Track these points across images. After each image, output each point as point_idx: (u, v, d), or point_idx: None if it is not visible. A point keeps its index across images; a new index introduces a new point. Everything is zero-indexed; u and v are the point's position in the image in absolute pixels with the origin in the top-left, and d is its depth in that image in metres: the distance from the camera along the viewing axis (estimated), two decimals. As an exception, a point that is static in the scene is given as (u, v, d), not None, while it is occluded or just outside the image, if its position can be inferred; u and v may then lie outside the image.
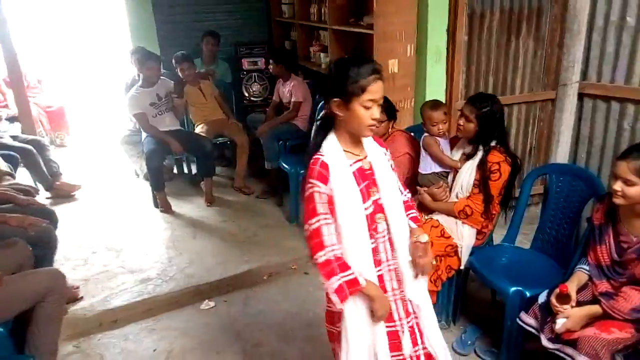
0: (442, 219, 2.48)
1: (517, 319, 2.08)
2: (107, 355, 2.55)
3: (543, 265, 2.42)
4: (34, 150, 4.08)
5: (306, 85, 4.28)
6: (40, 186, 4.11)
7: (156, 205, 4.07)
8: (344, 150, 1.55)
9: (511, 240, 2.61)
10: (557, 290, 1.91)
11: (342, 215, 1.51)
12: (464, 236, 2.44)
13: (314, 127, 3.45)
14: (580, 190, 2.38)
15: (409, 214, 1.70)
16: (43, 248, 2.60)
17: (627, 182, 1.79)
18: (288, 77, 4.21)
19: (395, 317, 1.64)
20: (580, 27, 3.30)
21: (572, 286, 1.93)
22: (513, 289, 2.18)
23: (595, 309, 1.85)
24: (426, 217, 2.53)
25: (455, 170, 2.53)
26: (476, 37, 3.28)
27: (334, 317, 1.67)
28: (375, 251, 1.60)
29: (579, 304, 1.89)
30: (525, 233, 2.74)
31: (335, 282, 1.49)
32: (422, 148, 2.64)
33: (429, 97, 3.03)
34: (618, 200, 1.84)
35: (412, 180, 2.67)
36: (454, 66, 3.21)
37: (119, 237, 3.61)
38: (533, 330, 2.01)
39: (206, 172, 4.14)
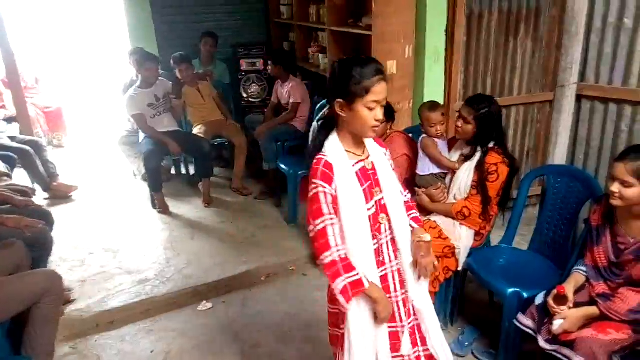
0: (440, 220, 2.48)
1: (515, 320, 2.08)
2: (104, 356, 2.55)
3: (540, 267, 2.42)
4: (32, 151, 4.07)
5: (305, 86, 4.28)
6: (37, 187, 4.10)
7: (154, 206, 4.07)
8: (346, 151, 1.54)
9: (509, 242, 2.61)
10: (555, 292, 1.92)
11: (345, 215, 1.50)
12: (462, 237, 2.44)
13: (313, 127, 3.44)
14: (577, 191, 2.38)
15: (410, 214, 1.69)
16: (39, 249, 2.60)
17: (625, 184, 1.80)
18: (286, 78, 4.21)
19: (397, 318, 1.64)
20: (578, 29, 3.31)
21: (569, 287, 1.93)
22: (511, 290, 2.18)
23: (592, 310, 1.85)
24: (424, 219, 2.52)
25: (453, 172, 2.53)
26: (474, 38, 3.29)
27: (337, 319, 1.66)
28: (377, 252, 1.59)
29: (577, 305, 1.89)
30: (523, 234, 2.75)
31: (340, 283, 1.48)
32: (420, 149, 2.64)
33: (427, 98, 3.03)
34: (615, 202, 1.85)
35: (410, 182, 2.67)
36: (453, 67, 3.21)
37: (116, 238, 3.60)
38: (530, 332, 2.01)
39: (204, 173, 4.14)
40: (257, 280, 3.14)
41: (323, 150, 1.54)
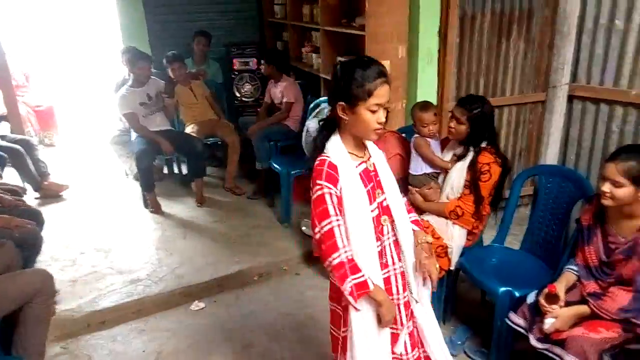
0: (432, 219, 2.49)
1: (506, 319, 2.09)
2: (95, 356, 2.53)
3: (532, 266, 2.44)
4: (23, 150, 4.03)
5: (298, 86, 4.28)
6: (28, 186, 4.07)
7: (146, 206, 4.05)
8: (349, 152, 1.53)
9: (501, 241, 2.63)
10: (546, 291, 1.93)
11: (350, 217, 1.49)
12: (455, 237, 2.45)
13: (305, 127, 3.45)
14: (569, 191, 2.40)
15: (410, 217, 1.69)
16: (28, 249, 2.57)
17: (616, 184, 1.81)
18: (280, 77, 4.21)
19: (398, 320, 1.63)
20: (570, 30, 3.33)
21: (560, 286, 1.94)
22: (502, 289, 2.19)
23: (583, 309, 1.87)
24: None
25: (446, 171, 2.54)
26: (467, 38, 3.30)
27: (339, 320, 1.65)
28: (381, 254, 1.59)
29: (568, 304, 1.91)
30: (515, 234, 2.76)
31: (347, 285, 1.47)
32: (413, 149, 2.65)
33: (420, 99, 3.03)
34: (606, 202, 1.86)
35: (403, 182, 2.68)
36: (446, 68, 3.23)
37: (108, 237, 3.58)
38: (522, 330, 2.02)
39: (197, 173, 4.12)
40: (250, 280, 3.13)
41: (325, 151, 1.53)
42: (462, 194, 2.44)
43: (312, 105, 3.68)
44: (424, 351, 1.70)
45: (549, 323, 1.87)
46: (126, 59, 4.34)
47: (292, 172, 3.63)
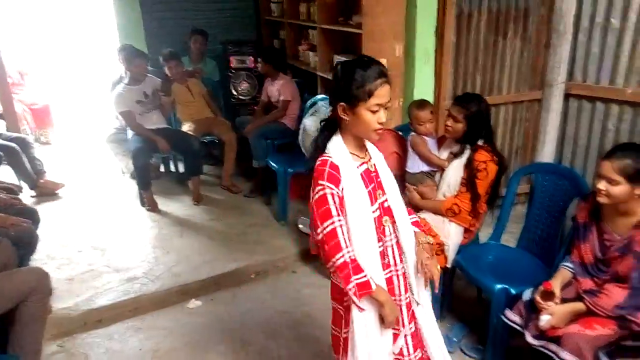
0: (429, 217, 2.49)
1: (502, 316, 2.10)
2: (92, 354, 2.53)
3: (528, 264, 2.45)
4: (18, 148, 4.02)
5: (295, 84, 4.28)
6: (24, 185, 4.06)
7: (143, 204, 4.04)
8: (350, 153, 1.53)
9: (497, 239, 2.63)
10: (542, 288, 1.94)
11: (352, 217, 1.49)
12: (451, 234, 2.46)
13: (302, 125, 3.45)
14: (565, 189, 2.40)
15: (410, 219, 1.69)
16: (23, 248, 2.56)
17: (611, 182, 1.82)
18: (276, 76, 4.20)
19: (400, 321, 1.63)
20: (566, 28, 3.34)
21: (556, 283, 1.95)
22: (498, 286, 2.20)
23: (579, 306, 1.87)
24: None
25: (443, 169, 2.54)
26: (464, 37, 3.30)
27: (340, 320, 1.65)
28: (383, 255, 1.58)
29: (564, 301, 1.91)
30: (511, 232, 2.77)
31: (351, 285, 1.46)
32: (409, 147, 2.65)
33: (417, 97, 3.04)
34: (602, 200, 1.87)
35: (400, 179, 2.68)
36: (442, 66, 3.23)
37: (104, 236, 3.57)
38: (518, 327, 2.03)
39: (193, 171, 4.12)
40: (247, 278, 3.13)
41: (326, 151, 1.52)
42: (459, 192, 2.45)
43: (308, 104, 3.68)
44: (425, 352, 1.70)
45: (544, 320, 1.87)
46: (122, 57, 4.33)
47: (289, 170, 3.63)
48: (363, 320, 1.53)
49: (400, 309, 1.62)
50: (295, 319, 2.74)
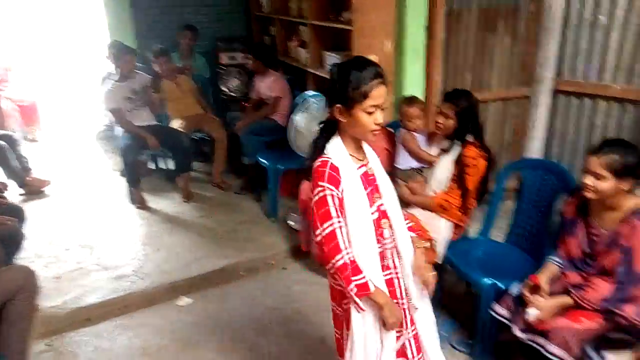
0: (419, 213, 2.50)
1: (490, 310, 2.11)
2: (80, 353, 2.51)
3: (517, 258, 2.46)
4: (6, 146, 3.97)
5: (285, 80, 4.26)
6: (12, 183, 4.01)
7: (132, 201, 4.01)
8: (350, 155, 1.53)
9: (486, 234, 2.65)
10: (529, 282, 1.96)
11: (352, 219, 1.49)
12: (441, 230, 2.47)
13: (290, 121, 3.44)
14: (552, 184, 2.42)
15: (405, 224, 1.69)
16: (9, 246, 2.53)
17: (598, 177, 1.83)
18: (266, 72, 4.19)
19: (403, 324, 1.63)
20: (554, 25, 3.37)
21: (543, 277, 1.97)
22: (487, 281, 2.21)
23: (566, 300, 1.89)
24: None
25: (432, 165, 2.55)
26: (454, 34, 3.31)
27: (340, 322, 1.65)
28: (382, 257, 1.58)
29: (552, 295, 1.93)
30: (500, 227, 2.78)
31: (352, 285, 1.46)
32: (399, 143, 2.65)
33: (407, 93, 3.04)
34: (589, 195, 1.88)
35: (390, 176, 2.68)
36: (433, 63, 3.24)
37: (93, 233, 3.54)
38: (506, 321, 2.05)
39: (183, 168, 4.09)
40: (237, 275, 3.12)
41: (326, 152, 1.52)
42: (449, 188, 2.46)
43: (302, 100, 3.67)
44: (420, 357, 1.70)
45: (532, 314, 1.89)
46: (111, 54, 4.29)
47: (279, 167, 3.63)
48: (362, 321, 1.53)
49: (404, 312, 1.62)
50: (285, 316, 2.74)
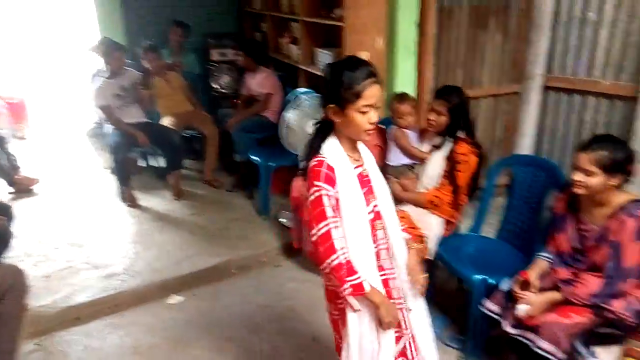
0: (410, 209, 2.51)
1: (481, 306, 2.12)
2: (71, 352, 2.49)
3: (507, 254, 2.48)
4: (-5, 144, 3.93)
5: (276, 77, 4.24)
6: (1, 181, 3.96)
7: (122, 199, 3.97)
8: (347, 154, 1.52)
9: (477, 230, 2.66)
10: (519, 278, 1.97)
11: (348, 219, 1.48)
12: (432, 226, 2.48)
13: (281, 118, 3.42)
14: (542, 180, 2.43)
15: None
16: (-4, 245, 2.50)
17: (588, 173, 1.84)
18: (258, 69, 4.17)
19: (402, 324, 1.62)
20: (545, 22, 3.38)
21: (533, 273, 1.98)
22: (478, 277, 2.22)
23: (555, 295, 1.90)
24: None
25: (424, 162, 2.55)
26: (445, 31, 3.32)
27: (337, 325, 1.64)
28: (377, 257, 1.58)
29: (542, 290, 1.94)
30: (491, 223, 2.80)
31: (347, 285, 1.46)
32: (391, 140, 2.65)
33: (398, 90, 3.05)
34: (579, 190, 1.89)
35: (382, 172, 2.68)
36: (424, 59, 3.24)
37: (82, 232, 3.50)
38: (496, 317, 2.06)
39: (174, 165, 4.06)
40: (229, 273, 3.11)
41: (321, 152, 1.51)
42: (440, 184, 2.46)
43: (291, 97, 3.65)
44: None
45: (521, 309, 1.90)
46: (101, 50, 4.25)
47: (271, 164, 3.61)
48: (357, 321, 1.53)
49: (402, 312, 1.62)
50: (278, 313, 2.73)
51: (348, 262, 1.47)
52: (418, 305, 1.69)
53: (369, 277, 1.50)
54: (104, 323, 2.69)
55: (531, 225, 2.47)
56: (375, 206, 1.58)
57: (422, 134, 2.67)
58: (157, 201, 4.00)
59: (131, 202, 3.91)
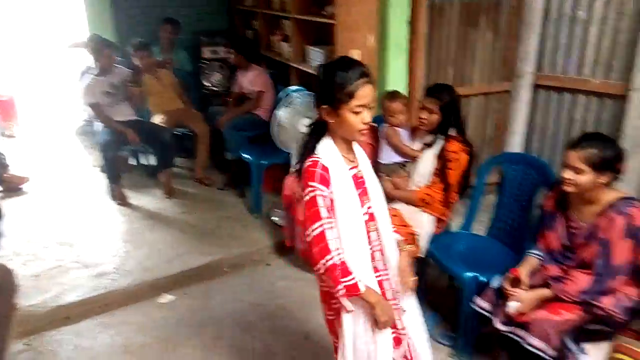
0: (402, 207, 2.51)
1: (472, 303, 2.13)
2: (61, 351, 2.47)
3: (498, 252, 2.49)
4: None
5: (267, 75, 4.23)
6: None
7: (113, 198, 3.94)
8: (342, 155, 1.52)
9: (468, 228, 2.67)
10: (509, 275, 1.98)
11: (343, 219, 1.48)
12: (424, 224, 2.48)
13: (273, 116, 3.41)
14: (532, 178, 2.45)
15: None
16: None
17: (577, 171, 1.85)
18: (249, 67, 4.15)
19: (399, 325, 1.63)
20: (535, 20, 3.40)
21: (523, 270, 2.00)
22: (469, 274, 2.23)
23: (545, 292, 1.92)
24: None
25: (415, 160, 2.56)
26: (436, 28, 3.32)
27: (334, 326, 1.64)
28: (372, 257, 1.58)
29: (532, 287, 1.96)
30: (481, 220, 2.81)
31: (340, 287, 1.45)
32: (382, 138, 2.66)
33: (390, 88, 3.05)
34: (569, 188, 1.91)
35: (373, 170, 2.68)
36: (415, 57, 3.24)
37: (72, 231, 3.48)
38: (487, 314, 2.07)
39: (165, 163, 4.04)
40: (221, 272, 3.10)
41: (316, 152, 1.50)
42: (431, 182, 2.47)
43: (282, 95, 3.64)
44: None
45: (512, 306, 1.92)
46: (90, 47, 4.20)
47: (263, 162, 3.60)
48: (352, 322, 1.53)
49: (398, 312, 1.62)
50: (269, 312, 2.73)
51: (342, 262, 1.46)
52: (410, 304, 1.70)
53: (365, 278, 1.50)
54: (94, 322, 2.67)
55: (521, 223, 2.48)
56: (369, 207, 1.58)
57: (414, 132, 2.67)
58: (148, 199, 3.98)
59: (121, 200, 3.88)
